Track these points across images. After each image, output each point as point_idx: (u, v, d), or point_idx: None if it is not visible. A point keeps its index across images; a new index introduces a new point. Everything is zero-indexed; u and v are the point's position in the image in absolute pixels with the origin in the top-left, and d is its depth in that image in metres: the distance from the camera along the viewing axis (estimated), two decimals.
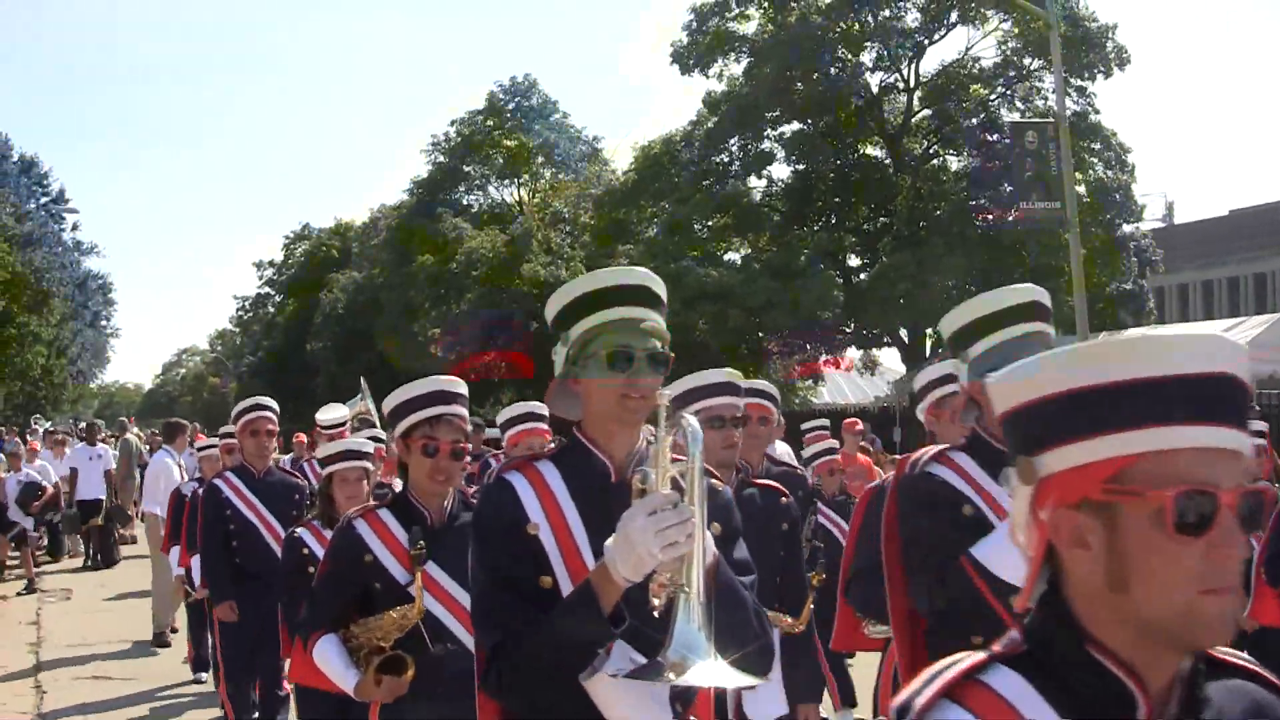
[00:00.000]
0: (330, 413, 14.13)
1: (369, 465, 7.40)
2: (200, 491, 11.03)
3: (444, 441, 5.23)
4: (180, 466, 17.83)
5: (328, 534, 6.51)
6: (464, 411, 5.37)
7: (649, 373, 3.50)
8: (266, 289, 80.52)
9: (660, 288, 3.73)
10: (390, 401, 5.35)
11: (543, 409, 9.42)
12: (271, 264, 79.52)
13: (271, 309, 79.32)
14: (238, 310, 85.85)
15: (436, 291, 50.06)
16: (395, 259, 55.32)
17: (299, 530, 7.33)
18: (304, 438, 17.87)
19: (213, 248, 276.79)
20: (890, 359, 45.95)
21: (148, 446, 27.84)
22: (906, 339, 39.34)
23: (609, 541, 3.11)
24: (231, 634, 10.02)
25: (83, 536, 24.98)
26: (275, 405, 10.28)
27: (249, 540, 9.76)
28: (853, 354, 46.38)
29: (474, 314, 46.19)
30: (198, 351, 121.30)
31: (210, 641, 11.87)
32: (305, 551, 7.11)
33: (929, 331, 40.05)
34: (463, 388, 5.41)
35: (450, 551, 5.14)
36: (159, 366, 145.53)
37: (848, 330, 39.47)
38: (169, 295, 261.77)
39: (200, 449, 13.77)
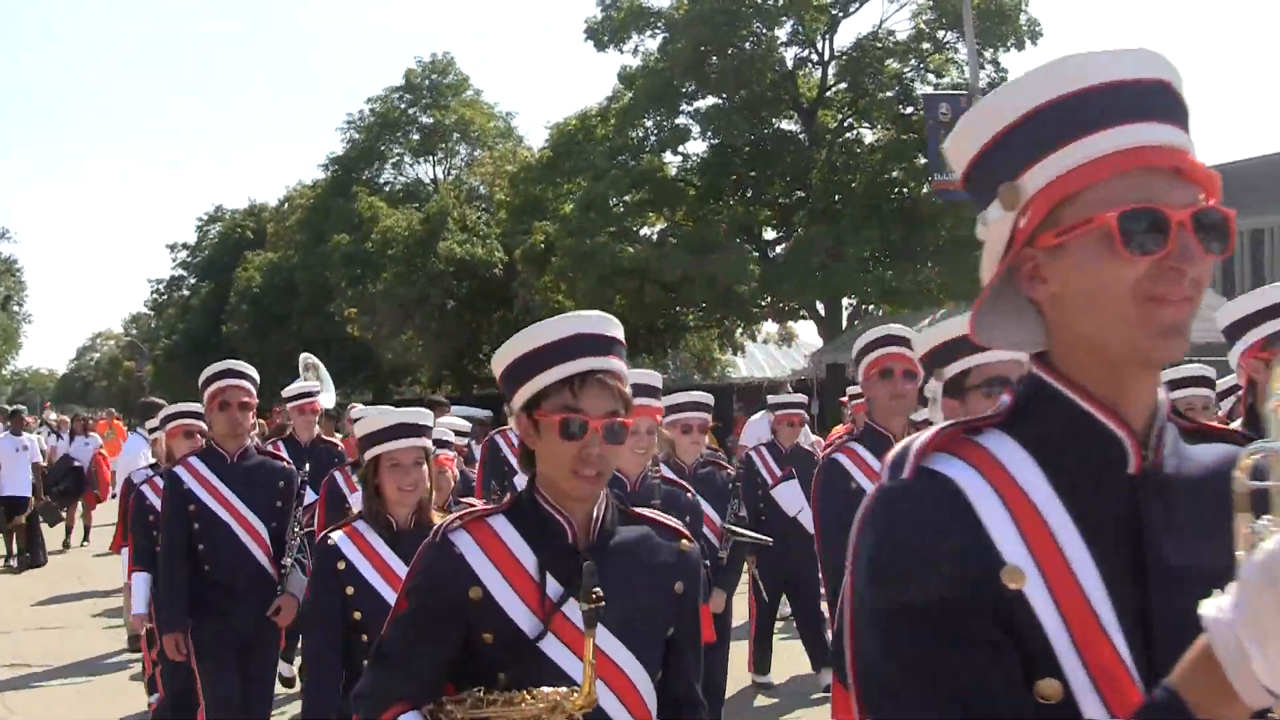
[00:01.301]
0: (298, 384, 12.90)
1: (429, 444, 5.65)
2: (154, 482, 9.44)
3: (594, 416, 3.26)
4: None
5: (377, 544, 5.47)
6: (622, 366, 3.41)
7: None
8: (180, 271, 79.65)
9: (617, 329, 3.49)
10: (506, 355, 3.41)
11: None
12: (185, 246, 78.69)
13: (186, 291, 78.46)
14: (152, 293, 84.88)
15: (353, 271, 49.75)
16: (310, 239, 55.02)
17: (334, 536, 5.50)
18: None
19: (125, 230, 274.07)
20: (807, 332, 46.12)
21: (66, 435, 27.19)
22: (823, 312, 39.40)
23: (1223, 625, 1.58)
24: (180, 681, 8.32)
25: (4, 536, 22.88)
26: (253, 372, 8.14)
27: (218, 543, 7.80)
28: (769, 327, 46.52)
29: (391, 293, 45.90)
30: (112, 335, 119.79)
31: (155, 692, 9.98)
32: (341, 566, 5.41)
33: (845, 304, 40.21)
34: (618, 329, 3.46)
35: (610, 589, 3.21)
36: (73, 351, 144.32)
37: (764, 303, 39.51)
38: (81, 278, 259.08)
39: (153, 430, 11.17)
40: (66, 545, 24.97)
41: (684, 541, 3.57)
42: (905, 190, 38.19)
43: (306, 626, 5.83)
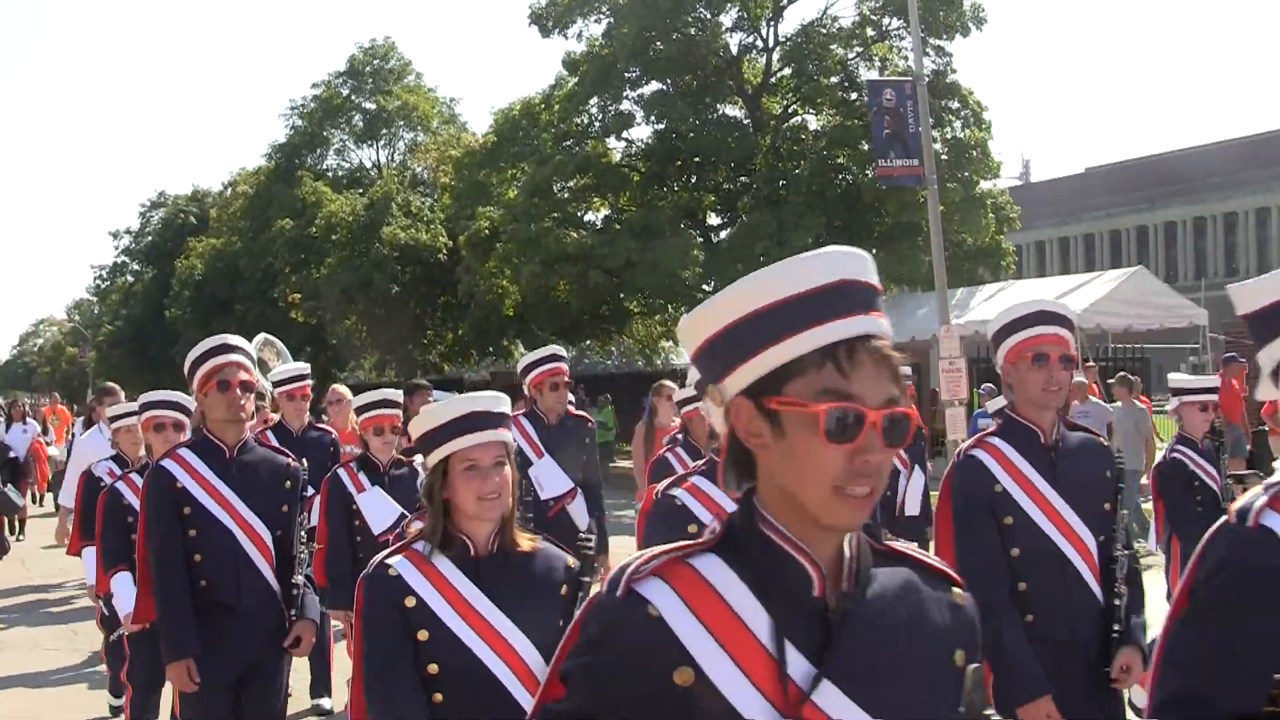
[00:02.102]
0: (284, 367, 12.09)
1: (510, 439, 4.36)
2: (130, 479, 8.55)
3: (872, 406, 2.16)
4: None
5: (453, 576, 4.25)
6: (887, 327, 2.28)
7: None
8: (124, 258, 79.12)
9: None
10: (718, 315, 2.26)
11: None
12: (128, 232, 78.09)
13: (129, 277, 78.02)
14: (95, 279, 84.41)
15: (297, 256, 49.63)
16: (254, 224, 54.91)
17: (394, 564, 4.26)
18: None
19: (68, 216, 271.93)
20: None
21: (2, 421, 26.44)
22: None
23: None
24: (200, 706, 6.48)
25: None
26: (250, 347, 6.82)
27: (218, 554, 6.42)
28: None
29: (335, 278, 45.75)
30: (55, 322, 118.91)
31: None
32: (410, 603, 4.19)
33: None
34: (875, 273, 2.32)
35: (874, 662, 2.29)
36: (15, 337, 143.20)
37: (708, 289, 39.54)
38: (24, 264, 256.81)
39: (114, 419, 9.99)
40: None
41: (956, 590, 2.47)
42: (849, 176, 38.27)
43: (377, 687, 4.21)
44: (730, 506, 2.39)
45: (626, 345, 47.24)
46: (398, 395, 9.11)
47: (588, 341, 48.20)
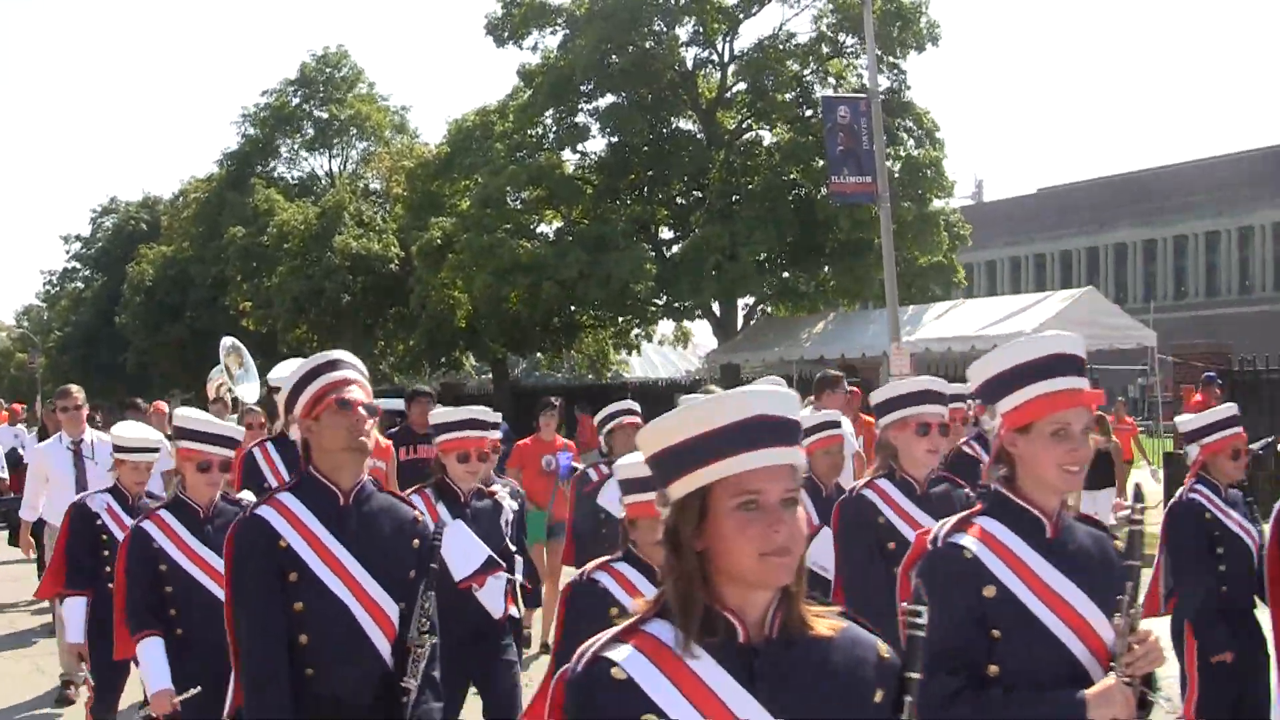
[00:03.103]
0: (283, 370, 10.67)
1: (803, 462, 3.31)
2: (159, 517, 6.74)
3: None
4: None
5: (707, 675, 2.79)
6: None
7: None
8: (74, 263, 78.79)
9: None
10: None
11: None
12: (79, 238, 77.76)
13: (79, 283, 77.69)
14: (44, 284, 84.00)
15: (248, 264, 49.40)
16: (205, 232, 54.69)
17: (624, 665, 2.79)
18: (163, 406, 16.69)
19: (17, 221, 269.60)
20: (702, 333, 46.24)
21: None
22: (719, 312, 39.52)
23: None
24: None
25: None
26: (361, 366, 5.21)
27: (328, 632, 4.85)
28: (665, 328, 46.64)
29: (286, 287, 45.53)
30: (3, 327, 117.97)
31: None
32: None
33: (741, 304, 40.35)
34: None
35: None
36: None
37: (659, 302, 39.55)
38: None
39: (122, 449, 8.04)
40: None
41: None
42: (803, 192, 38.39)
43: None
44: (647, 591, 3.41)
45: (576, 359, 47.15)
46: (489, 415, 7.70)
47: (538, 354, 48.16)
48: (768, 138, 41.17)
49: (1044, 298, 33.12)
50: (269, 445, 9.51)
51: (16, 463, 19.46)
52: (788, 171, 38.31)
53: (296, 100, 57.24)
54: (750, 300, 40.56)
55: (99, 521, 7.94)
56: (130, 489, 8.01)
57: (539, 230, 41.28)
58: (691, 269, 36.21)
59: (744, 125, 41.37)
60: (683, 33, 40.34)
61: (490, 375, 51.70)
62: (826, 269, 38.94)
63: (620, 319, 41.91)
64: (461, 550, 7.37)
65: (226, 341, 15.05)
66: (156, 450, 8.16)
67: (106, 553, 7.73)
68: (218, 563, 6.09)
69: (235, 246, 49.43)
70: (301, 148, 58.30)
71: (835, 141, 28.28)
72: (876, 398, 6.51)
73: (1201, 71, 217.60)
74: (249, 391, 16.60)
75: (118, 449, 8.08)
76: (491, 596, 7.45)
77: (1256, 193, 70.97)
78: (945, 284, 39.97)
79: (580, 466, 12.98)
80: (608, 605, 4.67)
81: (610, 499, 8.68)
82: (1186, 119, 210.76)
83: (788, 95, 39.79)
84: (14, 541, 15.40)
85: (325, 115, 56.84)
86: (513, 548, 7.83)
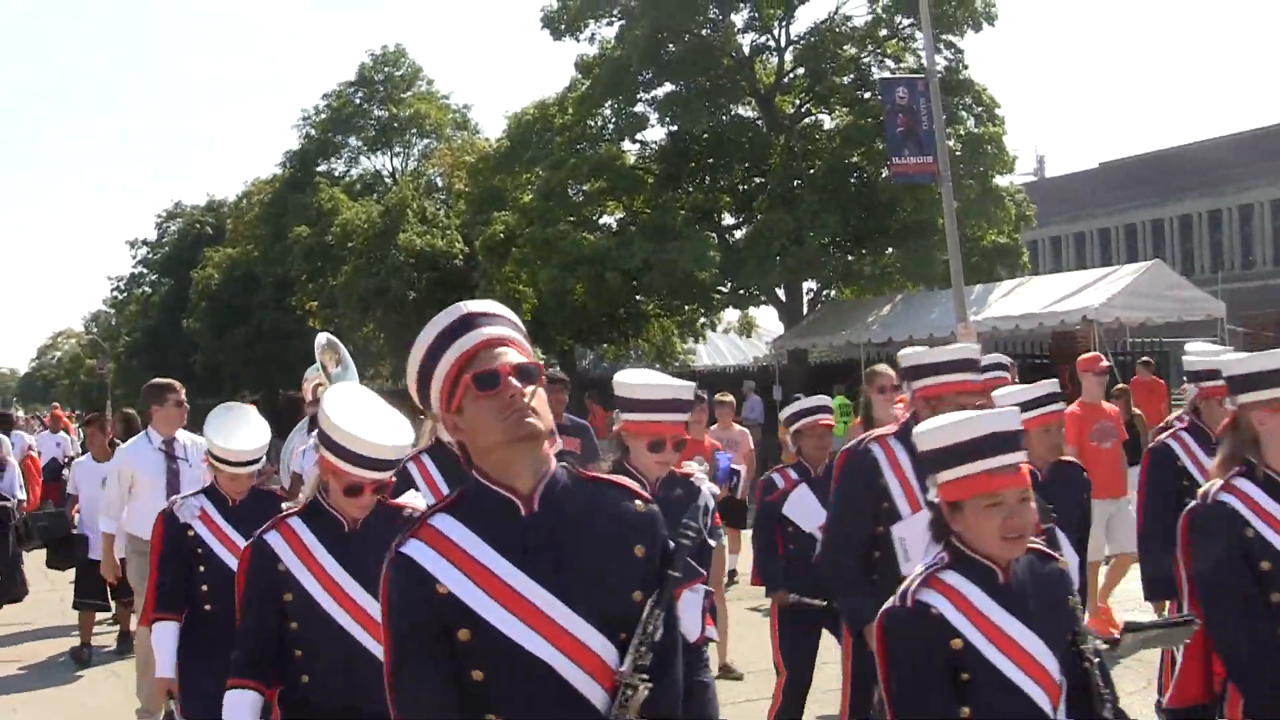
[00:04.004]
0: None
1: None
2: (283, 523, 5.40)
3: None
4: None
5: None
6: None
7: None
8: (141, 268, 79.63)
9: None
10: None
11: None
12: (145, 242, 78.58)
13: (147, 288, 78.49)
14: (112, 290, 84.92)
15: (313, 264, 49.79)
16: (270, 233, 55.17)
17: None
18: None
19: (85, 228, 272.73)
20: (768, 319, 46.16)
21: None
22: (784, 297, 39.46)
23: None
24: None
25: None
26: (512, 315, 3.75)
27: (516, 685, 3.30)
28: (730, 315, 46.61)
29: (351, 286, 45.85)
30: (73, 334, 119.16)
31: None
32: None
33: (806, 289, 40.26)
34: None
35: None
36: (33, 351, 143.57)
37: (724, 290, 39.54)
38: (40, 278, 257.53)
39: (223, 460, 7.00)
40: None
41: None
42: (864, 175, 38.26)
43: None
44: None
45: (643, 348, 47.21)
46: (687, 391, 6.27)
47: (604, 346, 48.23)
48: (827, 122, 41.03)
49: (1110, 272, 32.88)
50: (424, 457, 6.85)
51: (57, 473, 18.90)
52: (848, 155, 38.15)
53: (357, 100, 57.55)
54: (815, 285, 40.46)
55: (191, 532, 6.84)
56: (230, 492, 6.95)
57: (601, 221, 41.32)
58: (755, 255, 36.14)
59: (803, 110, 41.24)
60: (738, 19, 40.20)
61: (558, 368, 51.82)
62: (890, 251, 38.80)
63: (685, 307, 41.90)
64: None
65: (321, 338, 14.03)
66: (259, 461, 7.06)
67: (202, 568, 6.76)
68: (364, 599, 5.03)
69: (300, 246, 49.85)
70: (363, 147, 58.62)
71: (895, 123, 28.20)
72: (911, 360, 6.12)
73: (1264, 39, 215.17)
74: None
75: (216, 459, 6.95)
76: (689, 613, 6.11)
77: None
78: (1010, 265, 39.72)
79: (741, 469, 12.15)
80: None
81: (799, 510, 8.38)
82: (1249, 88, 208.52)
83: (846, 78, 39.63)
84: (56, 563, 14.92)
85: (385, 114, 57.15)
86: (711, 543, 6.77)
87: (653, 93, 40.66)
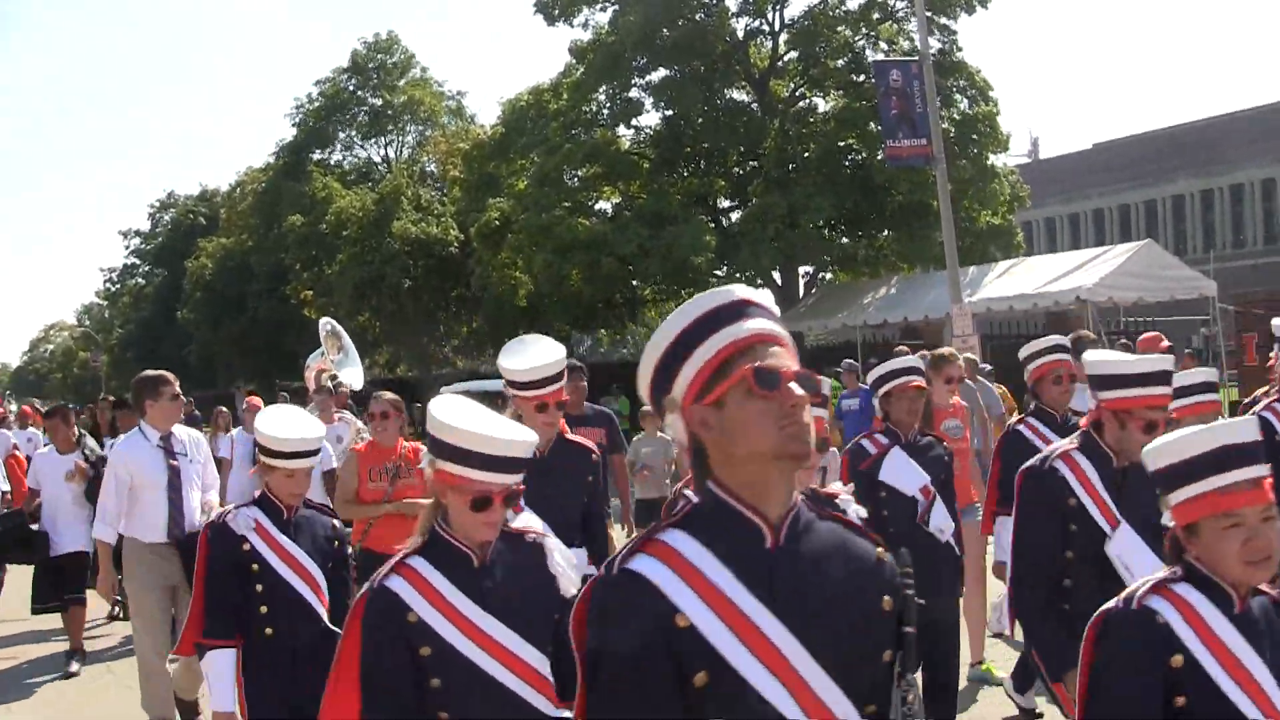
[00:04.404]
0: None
1: None
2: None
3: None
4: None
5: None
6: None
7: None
8: (133, 259, 79.40)
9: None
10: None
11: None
12: (138, 233, 78.46)
13: (140, 279, 78.28)
14: (105, 282, 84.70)
15: (307, 253, 49.73)
16: (263, 223, 55.08)
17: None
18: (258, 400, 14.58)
19: (76, 220, 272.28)
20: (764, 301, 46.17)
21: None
22: (780, 281, 39.50)
23: None
24: None
25: None
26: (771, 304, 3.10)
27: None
28: None
29: (346, 274, 45.83)
30: (65, 326, 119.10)
31: None
32: None
33: (802, 272, 40.32)
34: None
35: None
36: (25, 344, 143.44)
37: (721, 274, 39.59)
38: (32, 270, 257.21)
39: (274, 453, 6.13)
40: None
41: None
42: (859, 158, 38.33)
43: None
44: None
45: (640, 334, 47.27)
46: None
47: (601, 331, 48.28)
48: (822, 105, 41.13)
49: (1103, 252, 32.99)
50: None
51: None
52: (843, 138, 38.25)
53: (350, 88, 57.46)
54: (810, 269, 40.55)
55: (246, 547, 6.07)
56: (284, 499, 6.16)
57: (597, 207, 41.40)
58: (751, 239, 36.20)
59: (797, 94, 41.30)
60: (732, 3, 40.30)
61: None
62: (885, 234, 38.89)
63: (682, 292, 41.94)
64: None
65: (325, 324, 13.38)
66: (318, 453, 6.27)
67: (260, 587, 6.01)
68: (509, 638, 4.36)
69: (294, 236, 49.79)
70: (357, 135, 58.53)
71: (889, 105, 28.24)
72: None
73: (1255, 19, 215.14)
74: (353, 376, 14.94)
75: (266, 452, 6.13)
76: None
77: None
78: (1005, 247, 39.80)
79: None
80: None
81: (896, 474, 7.64)
82: (1238, 69, 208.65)
83: (840, 62, 39.68)
84: (14, 559, 13.26)
85: (379, 102, 57.10)
86: None
87: (647, 78, 40.74)
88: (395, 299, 46.40)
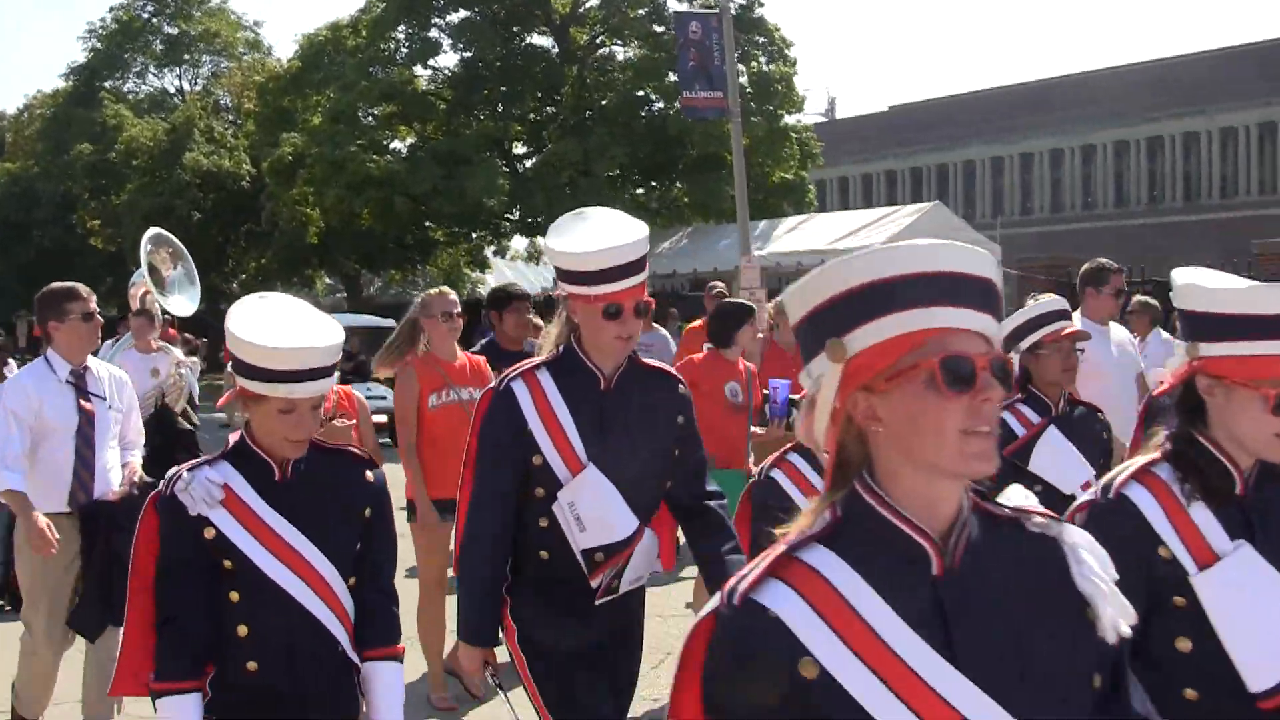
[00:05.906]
0: None
1: None
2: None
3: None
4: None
5: None
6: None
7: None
8: None
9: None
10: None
11: None
12: None
13: None
14: None
15: (96, 182, 48.63)
16: (52, 149, 53.51)
17: None
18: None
19: None
20: None
21: None
22: None
23: None
24: None
25: None
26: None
27: None
28: (519, 244, 46.82)
29: (135, 204, 44.92)
30: None
31: None
32: None
33: None
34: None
35: None
36: None
37: (513, 217, 39.67)
38: None
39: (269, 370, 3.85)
40: None
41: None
42: (656, 108, 38.63)
43: None
44: None
45: (431, 275, 47.17)
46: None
47: (391, 271, 48.10)
48: (621, 54, 41.31)
49: (892, 212, 33.68)
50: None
51: None
52: (641, 87, 38.53)
53: (146, 14, 56.12)
54: None
55: (210, 533, 3.94)
56: (276, 448, 4.00)
57: (392, 146, 41.11)
58: (545, 184, 36.33)
59: (597, 41, 41.42)
60: None
61: (344, 294, 51.54)
62: (679, 185, 39.27)
63: (474, 234, 41.98)
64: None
65: (150, 232, 11.45)
66: (334, 370, 3.96)
67: (235, 594, 3.96)
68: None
69: (83, 163, 48.60)
70: (151, 63, 57.20)
71: (687, 57, 28.51)
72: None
73: None
74: (182, 305, 12.57)
75: (248, 371, 3.85)
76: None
77: (1097, 112, 72.26)
78: (797, 203, 40.40)
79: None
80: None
81: (1052, 463, 5.98)
82: (1030, 39, 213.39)
83: (640, 11, 39.84)
84: None
85: (175, 31, 55.87)
86: None
87: (447, 18, 40.53)
88: (184, 231, 45.61)
